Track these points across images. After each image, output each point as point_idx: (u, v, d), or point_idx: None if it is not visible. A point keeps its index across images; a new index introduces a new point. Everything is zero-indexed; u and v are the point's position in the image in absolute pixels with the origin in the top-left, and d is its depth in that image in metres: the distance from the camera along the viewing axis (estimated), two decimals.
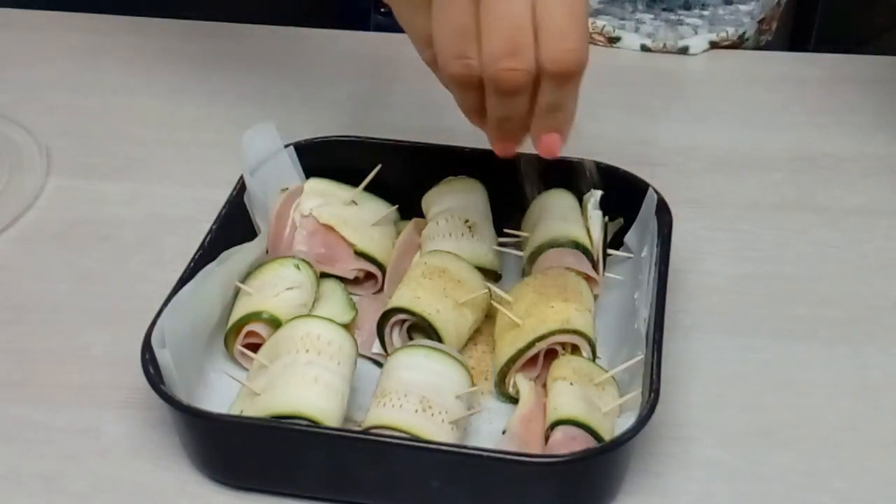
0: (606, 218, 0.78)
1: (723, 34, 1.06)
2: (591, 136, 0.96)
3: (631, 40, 1.06)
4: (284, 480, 0.64)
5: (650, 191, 0.77)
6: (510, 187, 0.80)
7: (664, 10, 1.04)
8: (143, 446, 0.68)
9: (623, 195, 0.78)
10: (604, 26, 1.05)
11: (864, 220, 0.86)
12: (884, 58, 1.07)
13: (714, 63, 1.07)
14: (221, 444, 0.65)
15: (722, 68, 1.07)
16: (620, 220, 0.79)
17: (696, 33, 1.06)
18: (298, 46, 1.09)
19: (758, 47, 1.09)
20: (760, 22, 1.07)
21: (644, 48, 1.06)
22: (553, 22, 0.60)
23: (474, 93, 0.63)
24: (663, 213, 0.76)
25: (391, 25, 1.12)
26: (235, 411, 0.66)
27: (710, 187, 0.90)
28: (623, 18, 1.05)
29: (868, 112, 0.99)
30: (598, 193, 0.78)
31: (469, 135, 0.84)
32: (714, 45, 1.06)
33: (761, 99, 1.02)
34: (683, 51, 1.06)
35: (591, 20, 1.05)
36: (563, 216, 0.77)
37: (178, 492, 0.65)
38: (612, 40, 1.06)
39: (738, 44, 1.07)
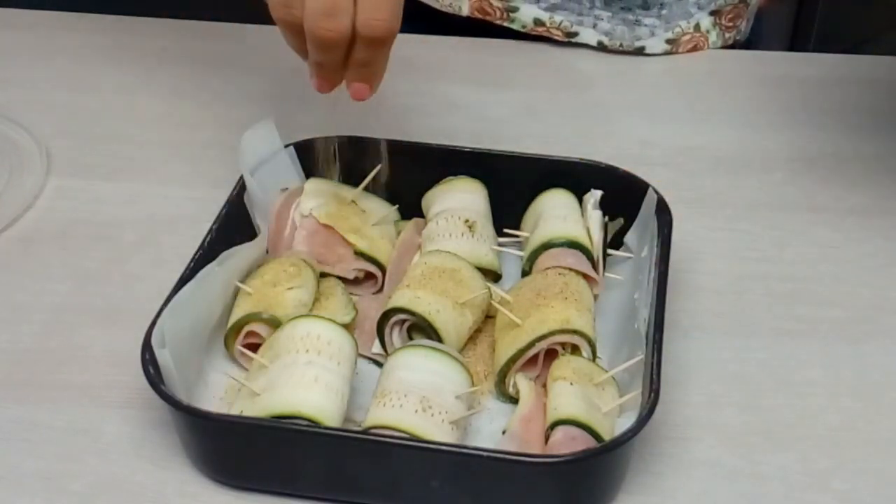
0: (606, 218, 0.78)
1: (677, 30, 1.05)
2: (591, 136, 0.96)
3: (588, 36, 1.06)
4: (284, 480, 0.64)
5: (650, 191, 0.77)
6: (510, 187, 0.80)
7: (622, 8, 1.04)
8: (143, 446, 0.68)
9: (623, 195, 0.78)
10: (561, 21, 1.06)
11: (864, 220, 0.86)
12: (884, 58, 1.07)
13: (714, 63, 1.07)
14: (221, 444, 0.65)
15: (722, 68, 1.07)
16: (620, 220, 0.79)
17: (652, 34, 1.06)
18: None
19: (726, 46, 1.08)
20: (716, 14, 1.06)
21: (601, 45, 1.06)
22: None
23: (296, 36, 0.71)
24: (663, 213, 0.76)
25: None
26: (235, 411, 0.66)
27: (710, 187, 0.90)
28: (581, 14, 1.05)
29: (868, 112, 0.99)
30: (597, 193, 0.78)
31: (469, 135, 0.84)
32: (671, 43, 1.06)
33: (761, 99, 1.02)
34: (640, 51, 1.06)
35: (548, 15, 1.06)
36: (562, 216, 0.77)
37: (178, 492, 0.65)
38: (570, 35, 1.06)
39: (702, 39, 1.06)
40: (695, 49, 1.07)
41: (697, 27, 1.06)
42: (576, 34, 1.06)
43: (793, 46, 1.63)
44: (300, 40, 0.71)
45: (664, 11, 1.05)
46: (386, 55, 0.72)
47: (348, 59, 0.71)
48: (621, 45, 1.06)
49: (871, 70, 1.06)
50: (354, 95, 0.74)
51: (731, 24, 1.08)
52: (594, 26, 1.06)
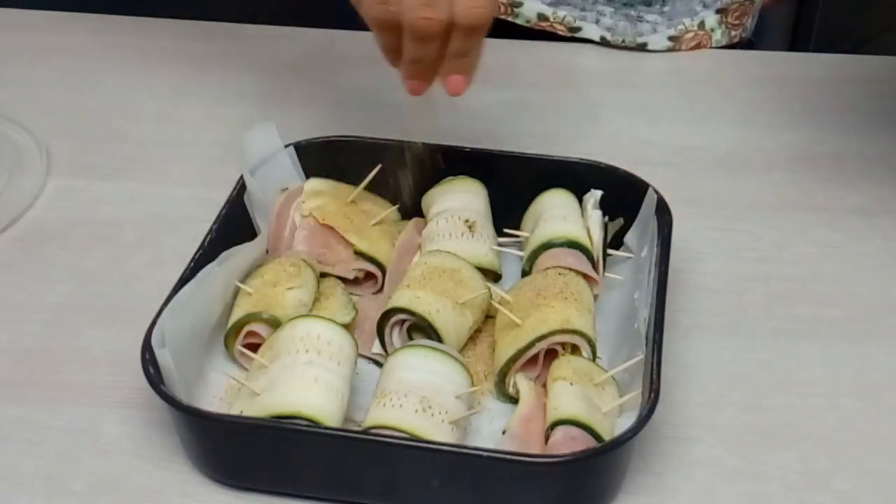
0: (606, 218, 0.78)
1: (681, 27, 1.06)
2: (591, 136, 0.96)
3: (591, 31, 1.07)
4: (284, 480, 0.64)
5: (650, 191, 0.77)
6: (510, 187, 0.80)
7: (624, 4, 1.05)
8: (143, 446, 0.68)
9: (623, 195, 0.78)
10: (564, 16, 1.06)
11: (864, 220, 0.86)
12: (884, 58, 1.07)
13: (714, 63, 1.07)
14: (221, 444, 0.65)
15: (722, 68, 1.07)
16: (620, 220, 0.79)
17: (654, 31, 1.06)
18: (298, 46, 1.09)
19: (731, 44, 1.09)
20: (722, 12, 1.06)
21: (603, 40, 1.07)
22: None
23: (392, 34, 0.71)
24: (663, 213, 0.76)
25: None
26: (235, 411, 0.66)
27: (710, 187, 0.90)
28: (584, 9, 1.06)
29: (868, 112, 0.99)
30: (597, 193, 0.78)
31: (469, 135, 0.84)
32: (673, 40, 1.06)
33: (761, 99, 1.02)
34: (642, 47, 1.06)
35: (552, 10, 1.07)
36: (563, 216, 0.77)
37: (178, 492, 0.65)
38: (573, 30, 1.07)
39: (706, 37, 1.07)
40: (698, 46, 1.07)
41: (702, 25, 1.06)
42: (579, 29, 1.07)
43: (793, 46, 1.63)
44: (395, 38, 0.71)
45: (666, 8, 1.05)
46: (481, 44, 0.73)
47: (443, 53, 0.71)
48: (623, 40, 1.06)
49: (871, 70, 1.06)
50: (451, 90, 0.74)
51: (737, 21, 1.08)
52: (597, 21, 1.06)
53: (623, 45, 1.06)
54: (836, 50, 1.11)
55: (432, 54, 0.71)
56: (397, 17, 0.70)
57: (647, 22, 1.06)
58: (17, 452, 0.68)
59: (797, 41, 1.65)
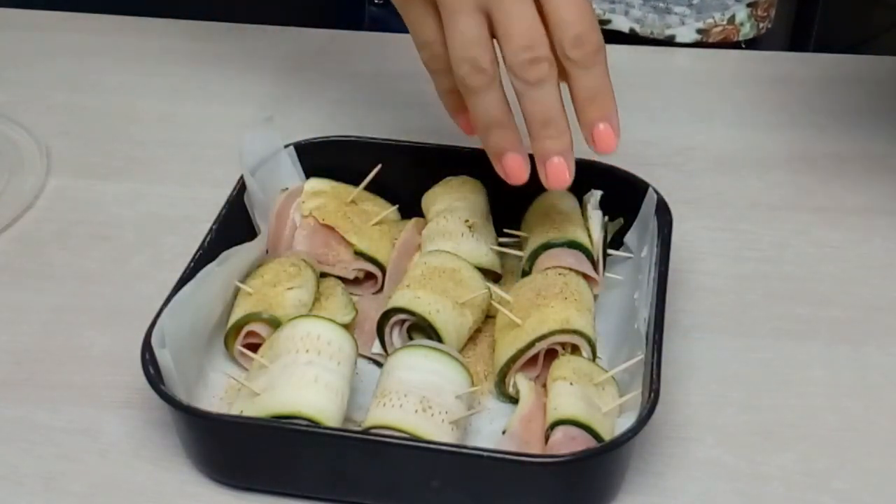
0: (606, 218, 0.78)
1: (710, 20, 1.06)
2: None
3: (620, 23, 1.06)
4: (284, 480, 0.64)
5: (650, 191, 0.77)
6: (510, 187, 0.80)
7: None
8: (143, 446, 0.68)
9: (623, 195, 0.78)
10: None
11: (864, 220, 0.86)
12: (884, 58, 1.07)
13: (714, 63, 1.07)
14: (221, 444, 0.65)
15: (722, 68, 1.07)
16: (620, 220, 0.79)
17: (683, 23, 1.06)
18: (298, 46, 1.09)
19: (758, 36, 1.09)
20: (753, 6, 1.06)
21: (632, 32, 1.06)
22: (562, 16, 0.67)
23: (490, 94, 0.69)
24: (663, 213, 0.76)
25: (386, 17, 1.13)
26: (235, 411, 0.66)
27: (710, 187, 0.90)
28: (613, 2, 1.05)
29: (868, 112, 0.99)
30: (597, 193, 0.78)
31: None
32: (702, 33, 1.06)
33: (761, 99, 1.02)
34: (670, 39, 1.06)
35: None
36: (563, 216, 0.77)
37: (178, 492, 0.65)
38: (603, 23, 1.07)
39: (734, 31, 1.07)
40: (725, 40, 1.07)
41: (732, 19, 1.06)
42: (608, 21, 1.06)
43: (793, 46, 1.63)
44: (492, 98, 0.69)
45: (695, 1, 1.05)
46: (607, 77, 0.68)
47: (575, 101, 0.68)
48: (652, 32, 1.06)
49: (871, 70, 1.06)
50: (601, 146, 0.69)
51: (764, 13, 1.08)
52: (626, 14, 1.06)
53: (651, 37, 1.06)
54: (836, 50, 1.11)
55: (557, 103, 0.68)
56: (490, 77, 0.68)
57: (675, 14, 1.05)
58: (17, 452, 0.68)
59: (797, 41, 1.65)
